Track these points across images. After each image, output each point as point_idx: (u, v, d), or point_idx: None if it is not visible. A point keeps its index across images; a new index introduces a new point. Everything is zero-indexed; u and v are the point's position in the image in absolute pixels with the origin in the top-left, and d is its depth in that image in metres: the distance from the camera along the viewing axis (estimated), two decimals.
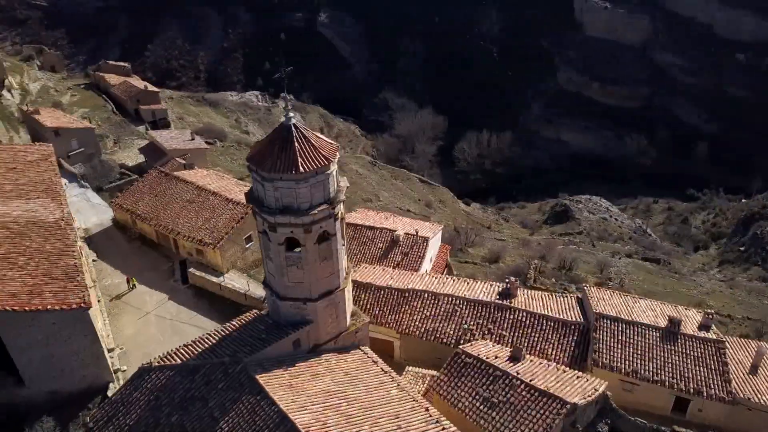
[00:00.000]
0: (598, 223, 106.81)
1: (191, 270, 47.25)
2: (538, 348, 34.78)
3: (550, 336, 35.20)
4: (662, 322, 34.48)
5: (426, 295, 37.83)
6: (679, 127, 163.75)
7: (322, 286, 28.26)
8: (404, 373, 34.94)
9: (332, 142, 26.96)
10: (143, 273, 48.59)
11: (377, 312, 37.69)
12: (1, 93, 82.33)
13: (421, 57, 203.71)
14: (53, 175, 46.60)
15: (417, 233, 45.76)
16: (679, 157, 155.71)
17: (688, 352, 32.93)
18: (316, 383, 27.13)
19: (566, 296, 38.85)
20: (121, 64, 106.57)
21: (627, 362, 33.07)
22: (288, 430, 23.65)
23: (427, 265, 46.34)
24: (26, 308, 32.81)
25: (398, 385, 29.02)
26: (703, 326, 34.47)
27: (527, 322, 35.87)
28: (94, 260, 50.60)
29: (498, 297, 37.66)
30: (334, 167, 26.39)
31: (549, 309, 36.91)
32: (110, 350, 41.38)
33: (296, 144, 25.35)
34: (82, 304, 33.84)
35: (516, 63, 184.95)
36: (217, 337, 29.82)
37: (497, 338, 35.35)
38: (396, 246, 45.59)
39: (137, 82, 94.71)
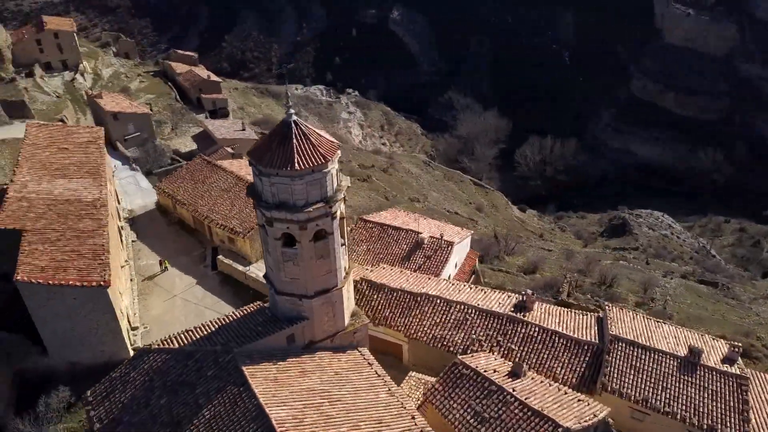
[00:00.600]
0: (658, 239, 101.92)
1: (220, 257, 48.47)
2: (546, 365, 33.52)
3: (560, 354, 33.84)
4: (682, 351, 32.47)
5: (438, 301, 37.19)
6: (759, 143, 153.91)
7: (318, 284, 28.28)
8: (407, 378, 34.59)
9: (333, 141, 26.88)
10: (177, 256, 50.28)
11: (387, 314, 37.40)
12: (75, 77, 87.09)
13: (490, 58, 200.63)
14: (99, 157, 48.83)
15: (441, 237, 45.07)
16: (757, 176, 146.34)
17: (707, 385, 30.84)
18: (302, 380, 27.20)
19: (586, 315, 37.21)
20: (189, 53, 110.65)
21: (638, 389, 31.34)
22: (263, 424, 23.82)
23: (450, 270, 45.60)
24: (50, 282, 34.55)
25: (389, 390, 28.69)
26: (728, 359, 32.19)
27: (539, 337, 34.63)
28: (133, 240, 52.76)
29: (512, 309, 36.55)
30: (333, 166, 26.31)
31: (564, 326, 35.48)
32: (134, 328, 43.07)
33: (294, 141, 25.44)
34: (102, 283, 35.30)
35: (588, 68, 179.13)
36: (217, 325, 30.44)
37: (505, 351, 34.32)
38: (420, 248, 45.08)
39: (201, 72, 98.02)
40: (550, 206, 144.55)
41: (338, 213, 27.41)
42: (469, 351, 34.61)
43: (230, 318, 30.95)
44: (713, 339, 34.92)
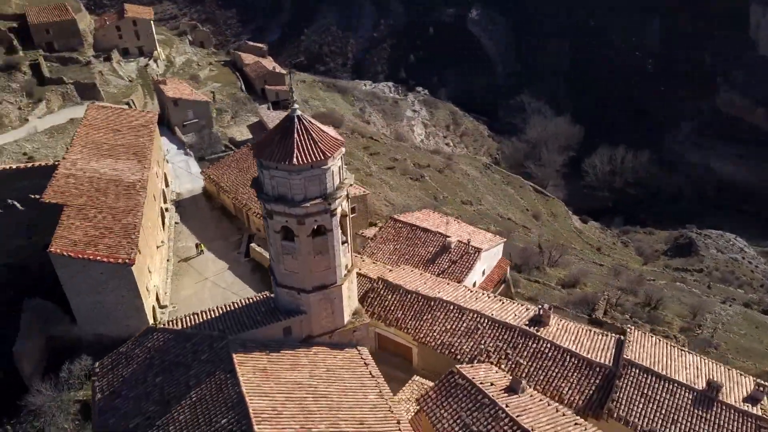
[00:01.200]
0: (726, 263, 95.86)
1: (252, 245, 49.65)
2: (554, 384, 32.26)
3: (570, 374, 32.47)
4: (701, 384, 30.41)
5: (451, 307, 36.55)
6: None
7: (317, 279, 28.43)
8: (410, 381, 34.28)
9: (338, 137, 26.87)
10: (214, 241, 51.94)
11: (399, 315, 37.10)
12: (149, 63, 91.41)
13: (567, 62, 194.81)
14: (148, 140, 51.09)
15: (468, 242, 44.21)
16: None
17: (722, 424, 28.73)
18: (291, 373, 27.44)
19: (606, 335, 35.50)
20: (259, 45, 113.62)
21: (646, 419, 29.61)
22: (240, 412, 24.23)
23: (477, 278, 44.70)
24: (80, 255, 36.49)
25: (380, 392, 28.50)
26: (752, 398, 29.85)
27: (549, 354, 33.36)
28: (176, 222, 54.90)
29: (527, 323, 35.40)
30: (333, 163, 26.31)
31: (579, 345, 34.01)
32: (163, 306, 44.86)
33: (296, 135, 25.62)
34: (127, 261, 36.97)
35: (671, 78, 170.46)
36: (222, 311, 31.21)
37: (513, 365, 33.32)
38: (446, 252, 44.42)
39: (267, 63, 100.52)
40: (617, 219, 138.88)
41: (339, 210, 27.40)
42: (475, 360, 33.84)
43: (237, 305, 31.64)
44: (741, 375, 32.46)
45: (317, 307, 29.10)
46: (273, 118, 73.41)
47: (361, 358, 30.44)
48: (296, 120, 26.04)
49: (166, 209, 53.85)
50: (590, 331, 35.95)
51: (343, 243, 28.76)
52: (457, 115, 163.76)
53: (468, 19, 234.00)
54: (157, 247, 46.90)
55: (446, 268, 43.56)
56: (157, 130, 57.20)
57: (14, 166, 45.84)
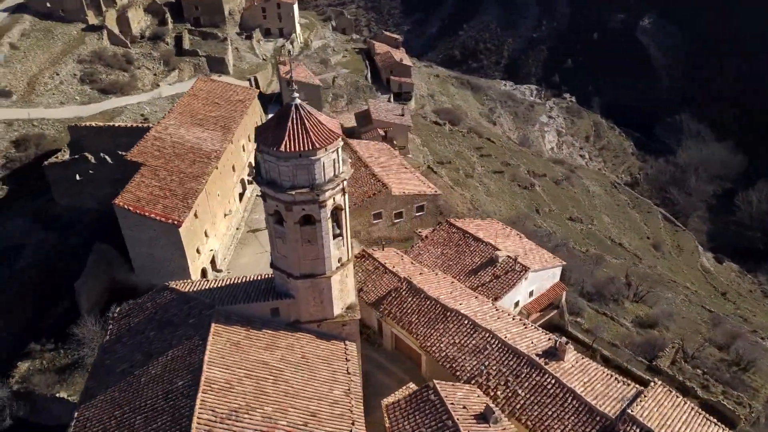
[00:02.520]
0: None
1: None
2: (545, 423, 29.85)
3: (566, 416, 29.79)
4: None
5: (465, 322, 35.09)
6: None
7: (305, 267, 28.83)
8: (404, 388, 33.58)
9: (334, 131, 26.86)
10: None
11: (413, 320, 36.40)
12: (285, 44, 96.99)
13: (740, 86, 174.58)
14: (239, 115, 54.61)
15: (516, 259, 41.93)
16: None
17: None
18: (263, 352, 28.25)
19: (627, 384, 32.01)
20: (394, 36, 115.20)
21: None
22: (195, 378, 25.50)
23: (520, 297, 42.34)
24: (138, 211, 40.28)
25: (348, 389, 28.36)
26: None
27: (551, 391, 30.85)
28: (257, 195, 58.14)
29: (540, 353, 32.99)
30: (325, 154, 26.40)
31: (589, 389, 31.05)
32: (218, 270, 48.08)
33: (289, 123, 26.10)
34: (175, 222, 40.12)
35: None
36: (229, 282, 32.84)
37: (510, 393, 31.33)
38: (491, 265, 42.53)
39: (396, 54, 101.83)
40: (767, 266, 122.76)
41: (329, 203, 27.47)
42: (473, 381, 32.31)
43: (244, 279, 33.12)
44: None
45: (305, 294, 29.54)
46: (380, 108, 74.52)
47: (345, 352, 30.43)
48: (294, 108, 26.50)
49: (249, 182, 57.21)
50: (611, 376, 32.63)
51: (336, 236, 28.85)
52: (601, 127, 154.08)
53: (638, 27, 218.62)
54: (225, 215, 50.19)
55: (486, 282, 41.77)
56: (257, 107, 60.85)
57: (116, 125, 51.46)
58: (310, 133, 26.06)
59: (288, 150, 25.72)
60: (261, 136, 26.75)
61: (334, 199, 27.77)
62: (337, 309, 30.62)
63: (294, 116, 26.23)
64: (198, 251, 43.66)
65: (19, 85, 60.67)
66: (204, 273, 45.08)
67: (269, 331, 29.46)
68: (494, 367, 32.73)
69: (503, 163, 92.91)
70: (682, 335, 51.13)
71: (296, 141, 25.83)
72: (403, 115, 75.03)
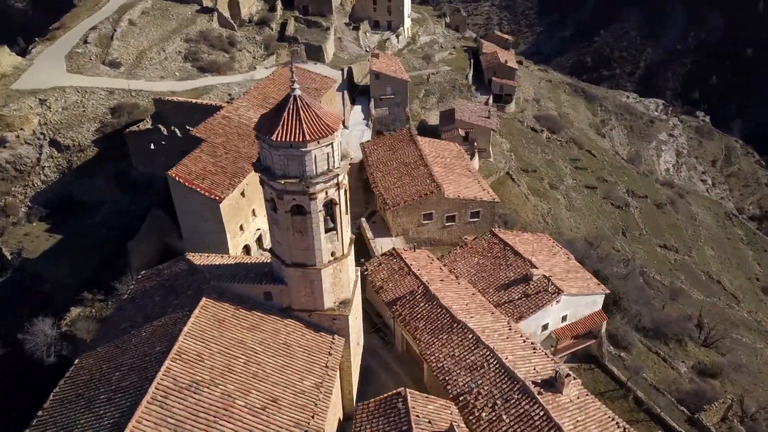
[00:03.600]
0: None
1: (362, 219, 51.61)
2: None
3: None
4: None
5: (470, 336, 33.83)
6: None
7: (296, 256, 29.20)
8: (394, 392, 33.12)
9: (330, 126, 26.81)
10: None
11: (420, 326, 35.70)
12: (390, 37, 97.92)
13: None
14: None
15: (549, 280, 39.58)
16: None
17: None
18: (245, 332, 29.07)
19: (623, 430, 29.25)
20: (505, 36, 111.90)
21: None
22: (170, 345, 26.86)
23: (551, 320, 40.03)
24: (186, 183, 42.86)
25: (321, 383, 28.48)
26: None
27: (537, 422, 28.91)
28: None
29: (538, 381, 31.02)
30: (317, 147, 26.50)
31: (579, 428, 28.78)
32: (266, 250, 49.82)
33: (285, 113, 26.48)
34: (217, 198, 42.22)
35: None
36: (241, 261, 34.09)
37: (495, 417, 29.81)
38: (524, 283, 40.54)
39: (503, 55, 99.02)
40: None
41: (321, 196, 27.57)
42: (462, 397, 31.14)
43: (254, 260, 34.23)
44: None
45: (295, 283, 29.94)
46: (465, 109, 73.10)
47: (330, 346, 30.51)
48: (291, 99, 26.83)
49: None
50: (612, 419, 30.00)
51: (330, 230, 28.92)
52: (734, 152, 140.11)
53: None
54: None
55: (515, 299, 39.92)
56: (335, 96, 62.15)
57: (193, 101, 54.84)
58: (304, 124, 26.27)
59: (279, 139, 26.13)
60: (260, 123, 27.41)
61: (326, 192, 27.81)
62: (329, 302, 30.73)
63: (290, 107, 26.57)
64: (241, 228, 45.61)
65: (129, 58, 66.52)
66: (247, 250, 47.04)
67: (258, 314, 30.24)
68: (486, 387, 31.30)
69: (599, 179, 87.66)
70: (746, 391, 45.67)
71: (288, 131, 26.17)
72: (488, 117, 73.11)
